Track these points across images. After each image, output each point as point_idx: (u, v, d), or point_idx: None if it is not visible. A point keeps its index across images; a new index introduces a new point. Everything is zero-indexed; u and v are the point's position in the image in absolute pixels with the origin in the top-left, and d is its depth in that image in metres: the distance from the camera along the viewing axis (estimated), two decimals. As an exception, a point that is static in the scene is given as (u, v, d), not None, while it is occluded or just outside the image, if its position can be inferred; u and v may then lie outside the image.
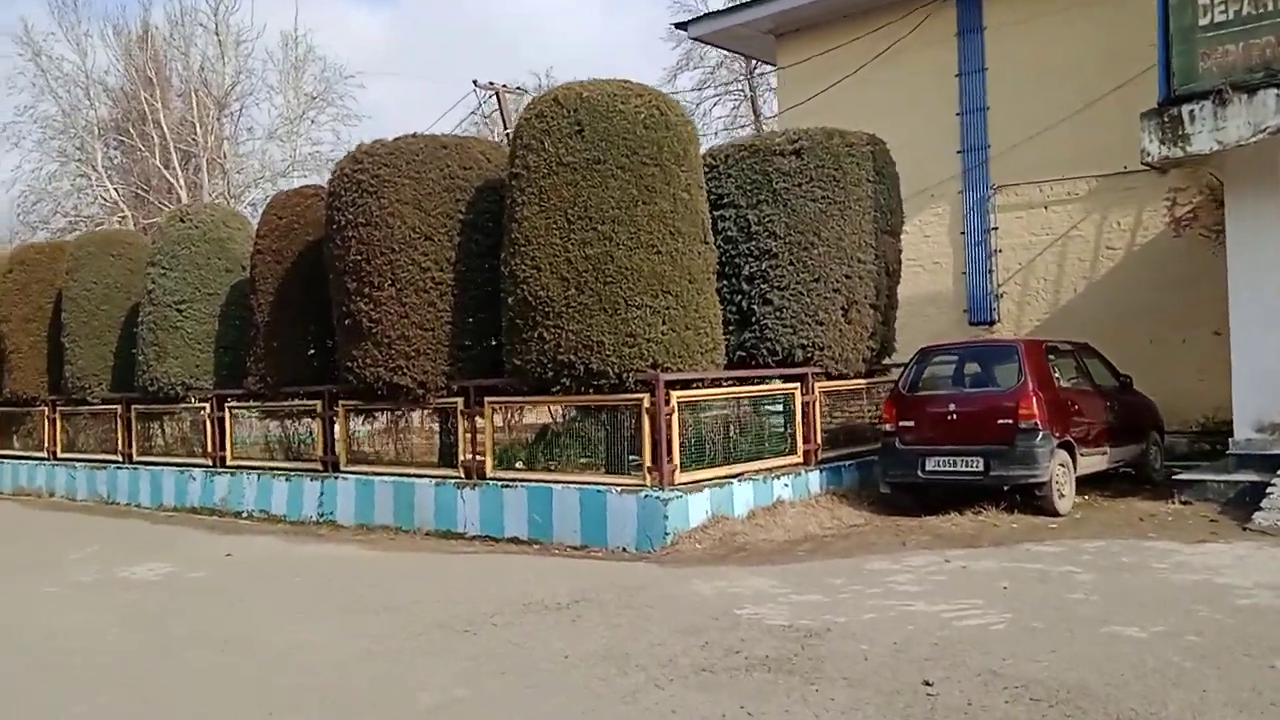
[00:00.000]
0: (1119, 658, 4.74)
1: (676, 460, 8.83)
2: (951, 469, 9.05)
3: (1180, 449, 11.74)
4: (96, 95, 35.38)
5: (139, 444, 14.37)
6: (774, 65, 17.67)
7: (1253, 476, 8.96)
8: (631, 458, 9.22)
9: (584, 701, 4.58)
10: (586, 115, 9.28)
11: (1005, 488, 8.98)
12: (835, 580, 6.76)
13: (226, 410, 13.06)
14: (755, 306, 10.46)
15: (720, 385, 9.76)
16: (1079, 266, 13.11)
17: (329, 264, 11.20)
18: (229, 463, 12.93)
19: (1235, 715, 4.00)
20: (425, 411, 11.24)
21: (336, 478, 11.39)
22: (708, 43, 19.54)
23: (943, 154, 13.99)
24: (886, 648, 5.09)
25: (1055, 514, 8.80)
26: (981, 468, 8.87)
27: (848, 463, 10.65)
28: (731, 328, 10.27)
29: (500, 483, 9.83)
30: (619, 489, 8.89)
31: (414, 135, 10.84)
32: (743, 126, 34.21)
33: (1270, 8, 8.67)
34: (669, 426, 8.80)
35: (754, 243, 10.51)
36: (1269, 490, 8.34)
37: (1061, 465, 8.92)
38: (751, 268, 10.50)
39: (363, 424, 11.75)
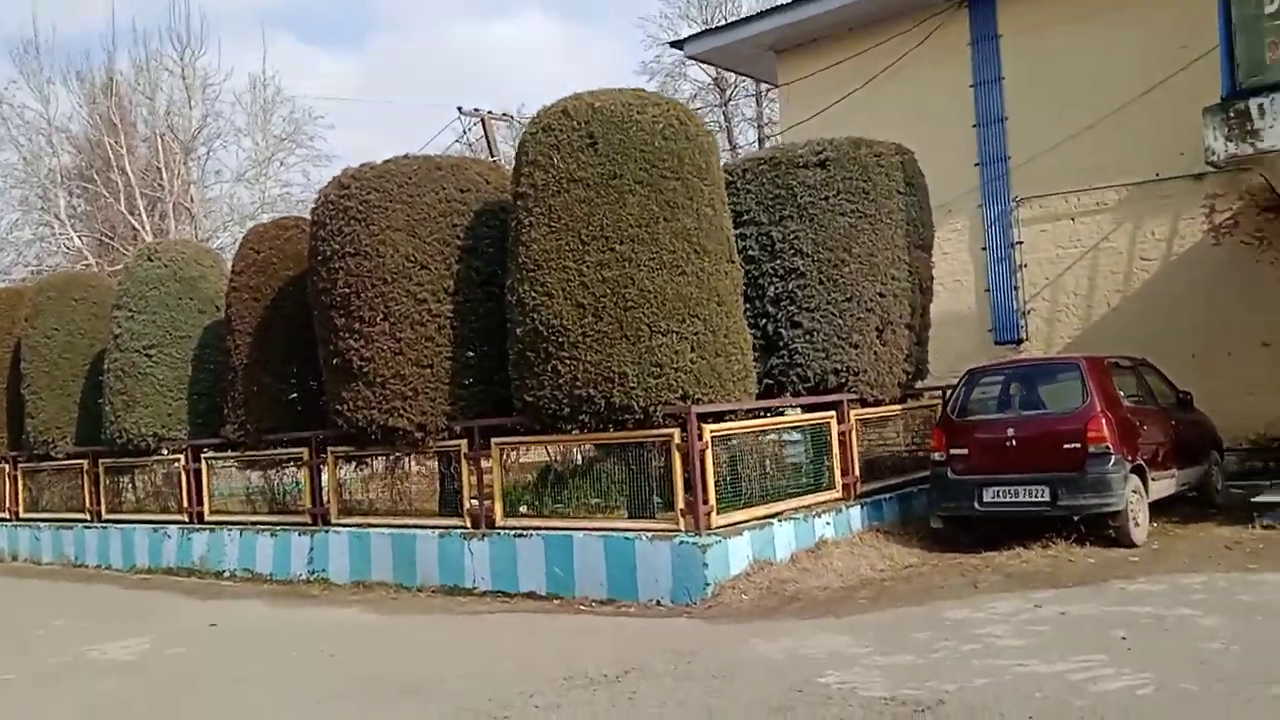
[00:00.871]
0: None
1: (713, 501, 7.94)
2: (1013, 500, 8.22)
3: (1230, 468, 10.98)
4: (59, 143, 34.46)
5: (108, 501, 13.29)
6: (772, 84, 17.07)
7: (1338, 497, 8.21)
8: (656, 500, 8.33)
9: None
10: (599, 127, 8.48)
11: (1075, 518, 8.15)
12: (918, 634, 5.88)
13: (203, 461, 12.04)
14: (783, 330, 9.66)
15: (754, 416, 8.91)
16: (1111, 279, 12.41)
17: (314, 299, 10.28)
18: (207, 518, 11.89)
19: None
20: (424, 456, 10.28)
21: (327, 531, 10.39)
22: (705, 61, 18.91)
23: (959, 167, 13.30)
24: (1025, 725, 4.22)
25: (1132, 545, 7.98)
26: (1048, 497, 8.05)
27: (888, 495, 9.82)
28: (756, 354, 9.43)
29: (512, 532, 8.89)
30: (649, 535, 7.99)
31: (406, 156, 10.00)
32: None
33: (1338, -9, 8.06)
34: (703, 464, 7.92)
35: (779, 261, 9.73)
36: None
37: (1135, 491, 8.11)
38: (777, 288, 9.71)
39: (355, 471, 10.77)
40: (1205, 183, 11.30)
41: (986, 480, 8.39)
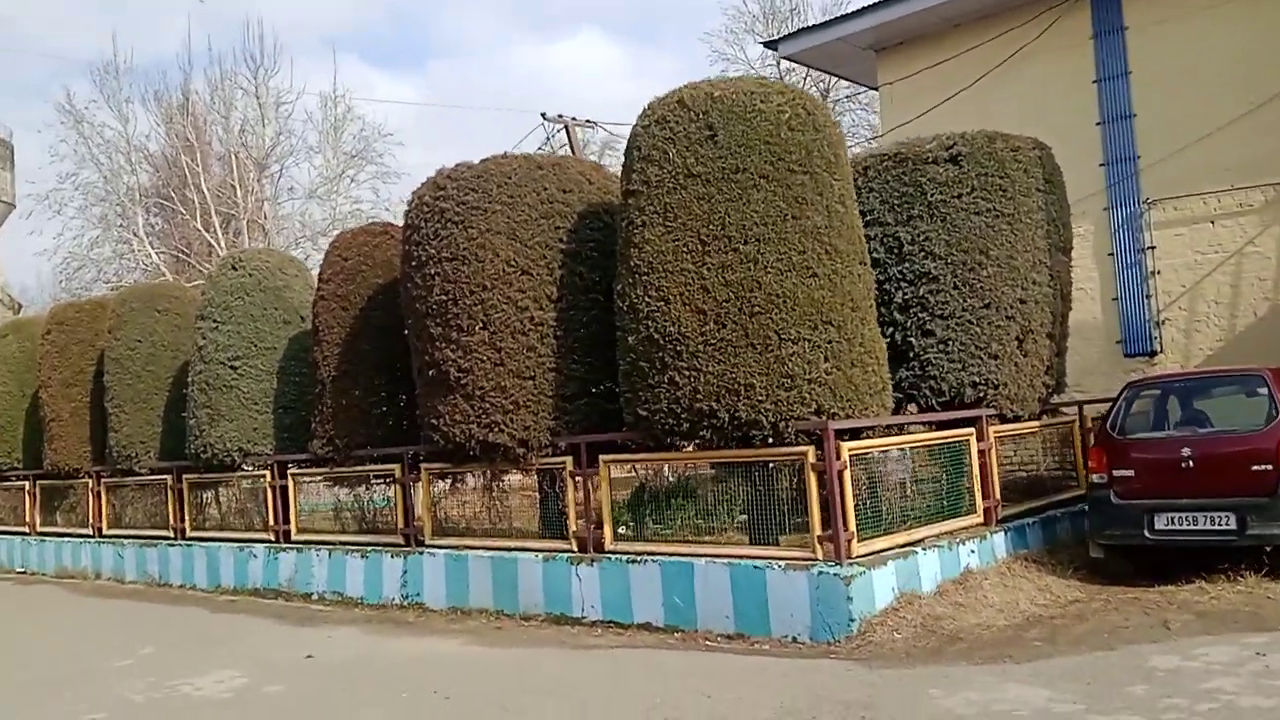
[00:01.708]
0: None
1: (853, 527, 7.17)
2: (1192, 528, 7.33)
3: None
4: (137, 161, 35.03)
5: (192, 518, 12.91)
6: (870, 86, 16.30)
7: None
8: (793, 523, 7.59)
9: None
10: (719, 117, 7.81)
11: (1266, 550, 7.22)
12: (1132, 688, 5.06)
13: (289, 478, 11.56)
14: (913, 339, 8.87)
15: (891, 433, 8.14)
16: (1258, 286, 11.39)
17: (407, 307, 9.76)
18: (294, 537, 11.41)
19: None
20: (524, 473, 9.66)
21: (422, 553, 9.81)
22: (799, 62, 18.15)
23: (1081, 168, 12.30)
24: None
25: (1332, 581, 7.05)
26: (1234, 525, 7.15)
27: (1030, 520, 8.95)
28: (884, 365, 8.66)
29: (625, 557, 8.21)
30: (783, 564, 7.24)
31: (504, 155, 9.43)
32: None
33: None
34: (842, 486, 7.16)
35: (907, 265, 8.95)
36: None
37: (1335, 520, 7.17)
38: (905, 294, 8.93)
39: (449, 489, 10.18)
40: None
41: (1158, 505, 7.50)
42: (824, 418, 7.35)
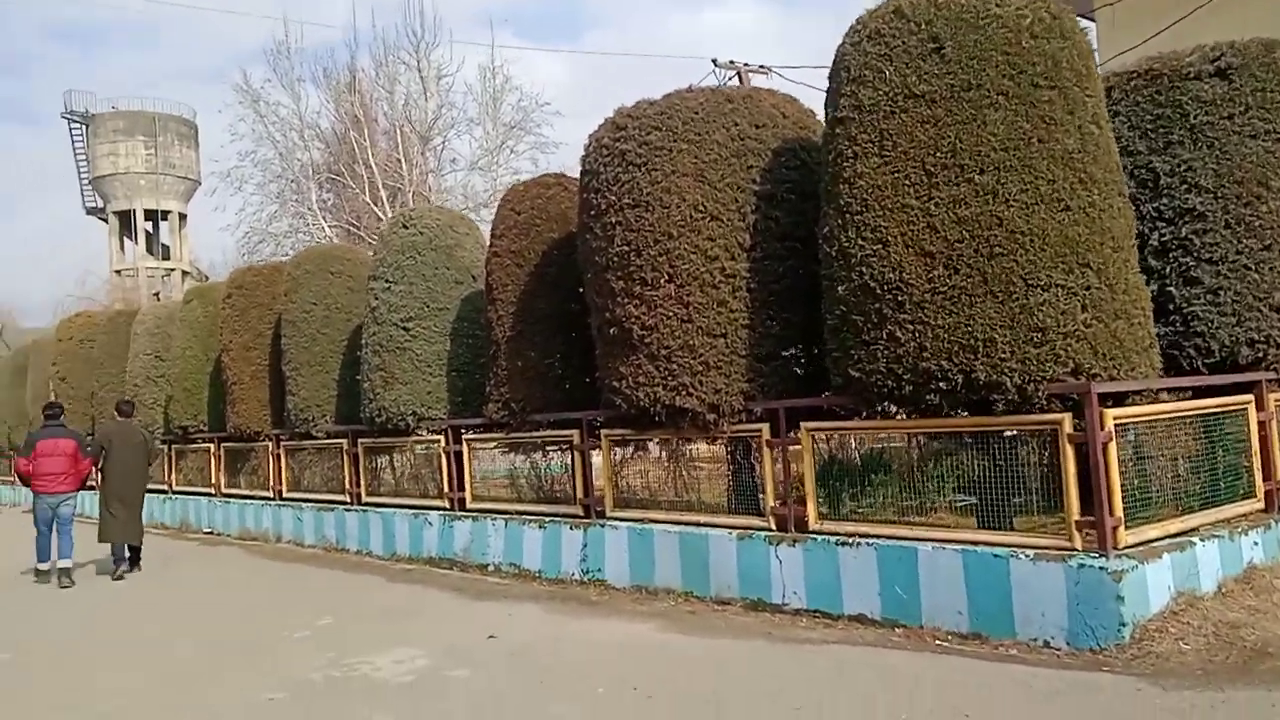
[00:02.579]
0: None
1: (1119, 512, 5.97)
2: None
3: None
4: (310, 138, 36.19)
5: (367, 483, 12.71)
6: (1085, 15, 14.51)
7: None
8: (1038, 505, 6.45)
9: None
10: (946, 27, 6.65)
11: None
12: None
13: (464, 444, 11.11)
14: (1173, 289, 7.47)
15: (1160, 399, 6.84)
16: None
17: (585, 261, 9.04)
18: (469, 505, 10.96)
19: None
20: (712, 442, 8.81)
21: (603, 526, 9.13)
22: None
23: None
24: None
25: None
26: None
27: (1320, 504, 7.45)
28: (1139, 317, 7.31)
29: (834, 539, 7.24)
30: (1030, 553, 6.12)
31: (689, 89, 8.51)
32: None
33: None
34: (1106, 461, 5.97)
35: (1165, 200, 7.55)
36: None
37: None
38: (1164, 235, 7.53)
39: (632, 457, 9.44)
40: None
41: None
42: (1083, 379, 6.16)
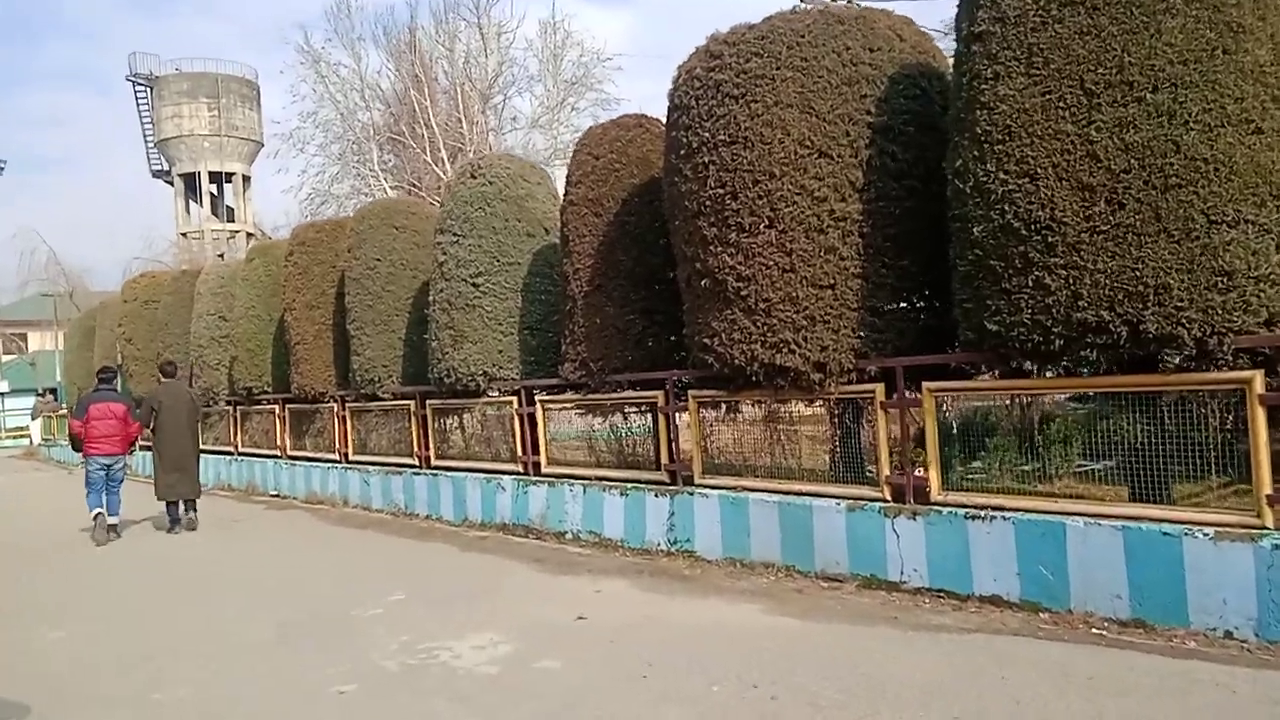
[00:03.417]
0: None
1: (1323, 485, 5.09)
2: None
3: None
4: (371, 99, 35.90)
5: (436, 445, 12.15)
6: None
7: None
8: (1213, 477, 5.57)
9: None
10: (1108, -80, 5.69)
11: None
12: None
13: (538, 405, 10.46)
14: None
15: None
16: None
17: (672, 206, 8.27)
18: (544, 470, 10.32)
19: None
20: (810, 404, 8.02)
21: (691, 494, 8.42)
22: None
23: None
24: None
25: None
26: None
27: None
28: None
29: (962, 511, 6.44)
30: (1210, 531, 5.26)
31: (793, 10, 7.65)
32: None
33: None
34: (1307, 426, 5.08)
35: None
36: None
37: None
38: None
39: (721, 420, 8.69)
40: None
41: None
42: (1278, 330, 5.25)
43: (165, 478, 11.96)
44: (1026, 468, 6.67)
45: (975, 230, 6.16)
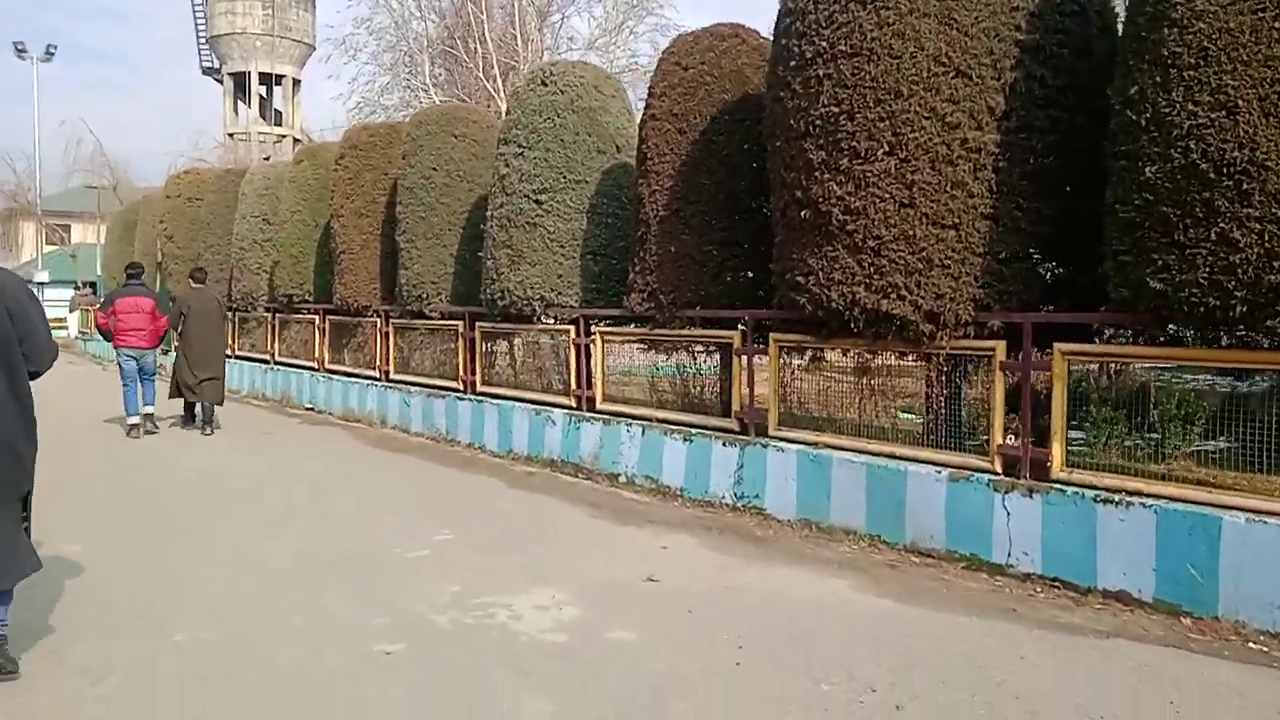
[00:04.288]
0: None
1: None
2: None
3: None
4: (426, 9, 34.91)
5: (483, 370, 11.46)
6: None
7: None
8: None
9: None
10: None
11: None
12: None
13: (598, 337, 9.69)
14: None
15: None
16: None
17: (774, 125, 7.38)
18: (599, 406, 9.60)
19: None
20: (902, 357, 7.19)
21: (765, 446, 7.67)
22: None
23: None
24: None
25: None
26: None
27: None
28: None
29: (1089, 492, 5.64)
30: None
31: (935, -96, 6.63)
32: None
33: None
34: None
35: None
36: None
37: None
38: None
39: (806, 367, 7.89)
40: None
41: None
42: None
43: (190, 380, 12.13)
44: (1099, 441, 5.88)
45: (1148, 170, 5.26)
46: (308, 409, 14.80)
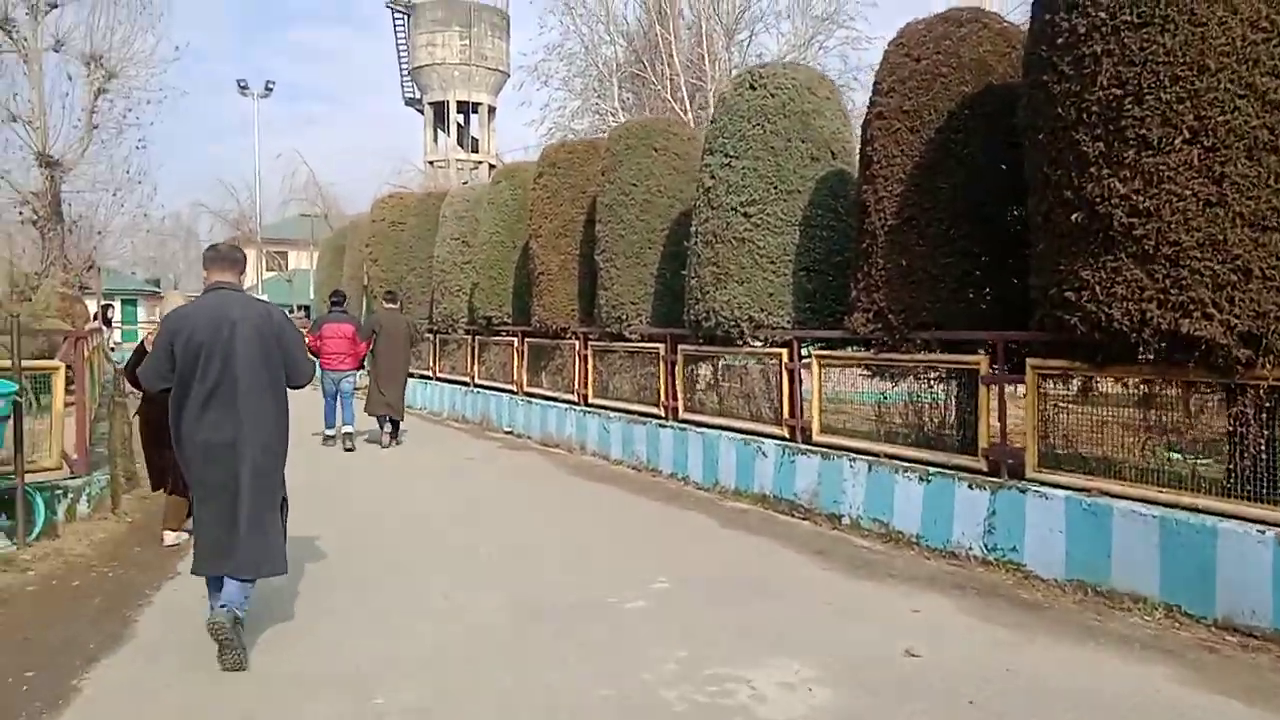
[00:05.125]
0: None
1: None
2: None
3: None
4: (615, 33, 35.08)
5: (686, 396, 10.78)
6: None
7: None
8: None
9: None
10: None
11: None
12: None
13: (814, 361, 8.82)
14: None
15: None
16: None
17: (1034, 115, 6.36)
18: (815, 438, 8.72)
19: None
20: (1191, 390, 5.95)
21: (1023, 490, 6.58)
22: None
23: None
24: None
25: None
26: None
27: None
28: None
29: None
30: None
31: None
32: None
33: None
34: None
35: None
36: None
37: None
38: None
39: (1071, 398, 6.76)
40: None
41: None
42: None
43: (375, 394, 13.06)
44: None
45: None
46: (506, 432, 14.58)
